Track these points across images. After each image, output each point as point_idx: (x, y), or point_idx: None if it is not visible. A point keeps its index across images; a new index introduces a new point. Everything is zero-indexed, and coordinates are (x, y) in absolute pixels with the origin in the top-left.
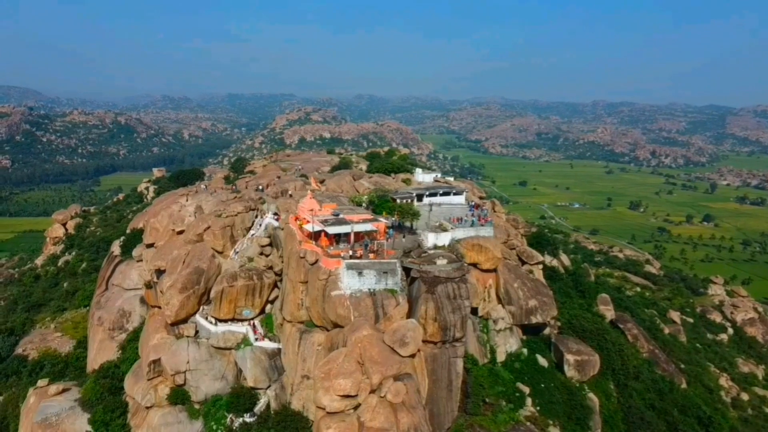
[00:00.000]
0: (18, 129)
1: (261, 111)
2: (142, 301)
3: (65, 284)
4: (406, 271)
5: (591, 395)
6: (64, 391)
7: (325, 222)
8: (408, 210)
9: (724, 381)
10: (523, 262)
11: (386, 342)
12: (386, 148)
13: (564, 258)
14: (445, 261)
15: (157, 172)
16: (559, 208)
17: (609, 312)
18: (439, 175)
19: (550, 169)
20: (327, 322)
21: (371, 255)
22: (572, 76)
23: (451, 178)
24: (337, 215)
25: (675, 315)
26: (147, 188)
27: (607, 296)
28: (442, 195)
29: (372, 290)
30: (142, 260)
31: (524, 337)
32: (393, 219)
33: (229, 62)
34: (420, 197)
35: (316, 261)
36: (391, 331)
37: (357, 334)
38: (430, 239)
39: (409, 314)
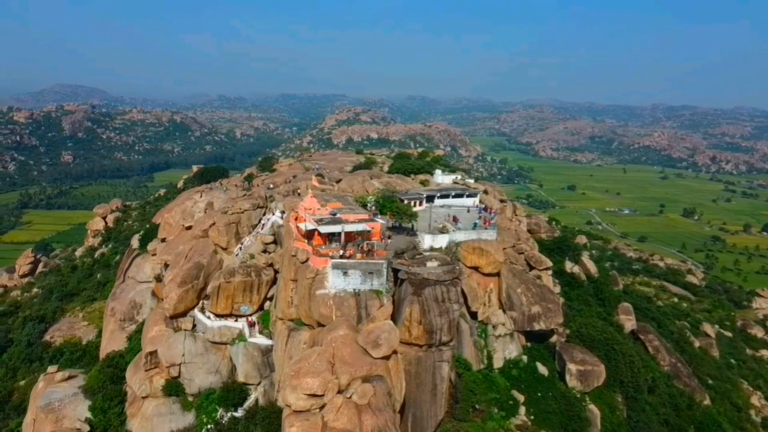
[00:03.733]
0: (81, 126)
1: (313, 111)
2: (154, 294)
3: (98, 275)
4: (396, 272)
5: (592, 407)
6: (70, 378)
7: (320, 221)
8: (405, 211)
9: (756, 399)
10: (532, 267)
11: (359, 343)
12: (420, 149)
13: (590, 265)
14: (436, 263)
15: (196, 169)
16: (607, 213)
17: (629, 322)
18: (459, 176)
19: (601, 174)
20: (312, 321)
21: (359, 255)
22: (630, 77)
23: (472, 180)
24: (335, 215)
25: (708, 328)
26: (185, 184)
27: (628, 305)
28: (454, 197)
29: (357, 290)
30: (156, 254)
31: (528, 344)
32: (387, 219)
33: (281, 63)
34: (431, 198)
35: (307, 259)
36: (365, 332)
37: (333, 333)
38: (427, 241)
39: (396, 316)
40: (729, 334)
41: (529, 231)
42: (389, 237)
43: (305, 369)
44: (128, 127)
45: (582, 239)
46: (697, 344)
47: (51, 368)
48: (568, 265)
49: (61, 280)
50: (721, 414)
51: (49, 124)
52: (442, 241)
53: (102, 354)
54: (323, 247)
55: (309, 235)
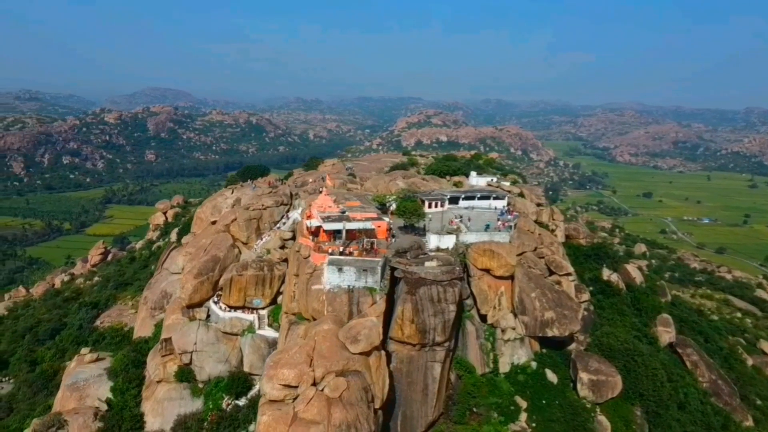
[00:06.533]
0: (164, 127)
1: (387, 113)
2: None
3: (152, 267)
4: (395, 271)
5: (602, 418)
6: (98, 359)
7: (327, 218)
8: (413, 210)
9: None
10: (552, 272)
11: (340, 338)
12: (473, 152)
13: (635, 273)
14: (434, 263)
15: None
16: (684, 222)
17: (667, 334)
18: (494, 179)
19: (682, 181)
20: (309, 315)
21: (356, 253)
22: (724, 79)
23: (507, 183)
24: (344, 212)
25: (766, 345)
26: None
27: (667, 317)
28: (480, 198)
29: (351, 287)
30: None
31: (543, 351)
32: (389, 218)
33: (358, 67)
34: (455, 200)
35: (309, 255)
36: (346, 328)
37: (317, 327)
38: (433, 241)
39: (390, 314)
40: None
41: (567, 236)
42: (393, 236)
43: (284, 360)
44: (207, 128)
45: (641, 248)
46: (750, 362)
47: (84, 350)
48: (606, 273)
49: (119, 270)
50: None
51: (135, 125)
52: (448, 241)
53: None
54: (326, 243)
55: (316, 231)
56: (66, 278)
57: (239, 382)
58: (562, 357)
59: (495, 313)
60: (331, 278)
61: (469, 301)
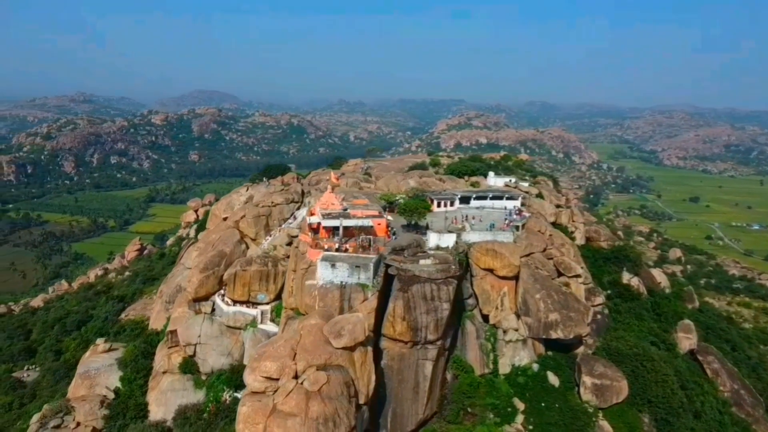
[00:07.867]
0: (207, 128)
1: (429, 115)
2: None
3: None
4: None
5: (603, 423)
6: (111, 350)
7: (327, 215)
8: (413, 209)
9: None
10: (561, 274)
11: (324, 332)
12: (502, 153)
13: (661, 278)
14: (429, 261)
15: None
16: (732, 228)
17: (688, 341)
18: (513, 180)
19: (733, 185)
20: (303, 310)
21: (351, 250)
22: None
23: (525, 184)
24: (345, 210)
25: None
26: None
27: (689, 323)
28: (492, 198)
29: (343, 283)
30: None
31: (549, 353)
32: (389, 217)
33: (401, 70)
34: (466, 199)
35: (306, 251)
36: (331, 323)
37: (305, 322)
38: (432, 240)
39: (385, 311)
40: None
41: (587, 239)
42: (394, 234)
43: (268, 353)
44: (250, 129)
45: (676, 253)
46: None
47: (99, 340)
48: (625, 276)
49: (148, 266)
50: None
51: (180, 126)
52: (448, 240)
53: None
54: (324, 240)
55: (317, 228)
56: (100, 273)
57: (239, 375)
58: (568, 360)
59: (497, 314)
60: (324, 274)
61: (471, 301)
